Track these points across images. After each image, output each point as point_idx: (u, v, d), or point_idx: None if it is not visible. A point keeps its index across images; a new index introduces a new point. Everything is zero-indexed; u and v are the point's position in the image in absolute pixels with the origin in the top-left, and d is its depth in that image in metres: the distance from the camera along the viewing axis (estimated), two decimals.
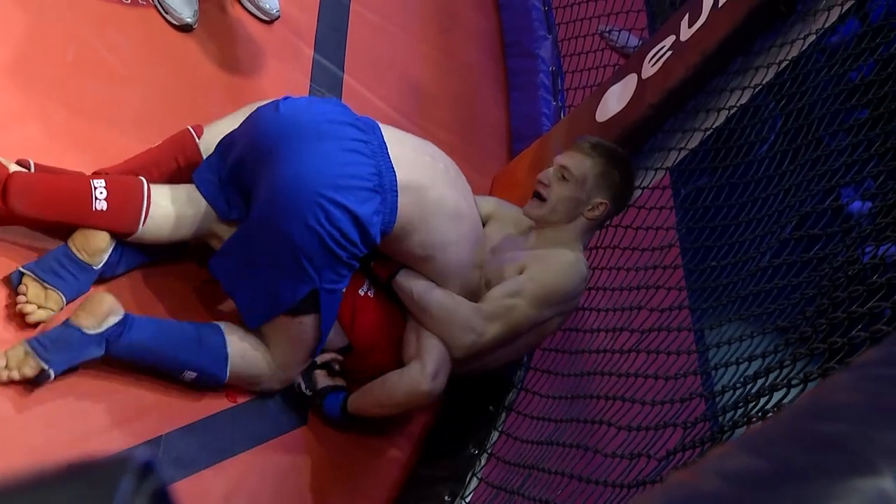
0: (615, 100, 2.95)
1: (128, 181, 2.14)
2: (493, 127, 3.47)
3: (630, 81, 2.94)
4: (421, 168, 2.19)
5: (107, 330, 2.00)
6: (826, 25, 2.54)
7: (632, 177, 2.48)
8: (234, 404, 2.21)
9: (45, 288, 2.01)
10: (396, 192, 2.11)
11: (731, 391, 1.75)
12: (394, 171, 2.11)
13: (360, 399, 2.30)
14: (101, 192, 2.06)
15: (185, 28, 2.77)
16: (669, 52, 2.86)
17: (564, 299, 2.34)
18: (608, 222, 2.54)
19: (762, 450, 0.61)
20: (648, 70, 2.89)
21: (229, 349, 2.14)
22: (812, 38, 2.57)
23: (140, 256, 2.21)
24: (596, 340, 2.55)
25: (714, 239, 2.49)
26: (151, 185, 2.16)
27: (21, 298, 1.99)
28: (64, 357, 1.95)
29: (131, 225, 2.12)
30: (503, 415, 2.50)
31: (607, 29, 3.89)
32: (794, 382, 1.59)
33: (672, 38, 2.88)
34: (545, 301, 2.29)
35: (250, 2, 3.02)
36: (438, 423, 2.52)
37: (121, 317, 2.02)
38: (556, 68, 3.69)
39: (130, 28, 2.68)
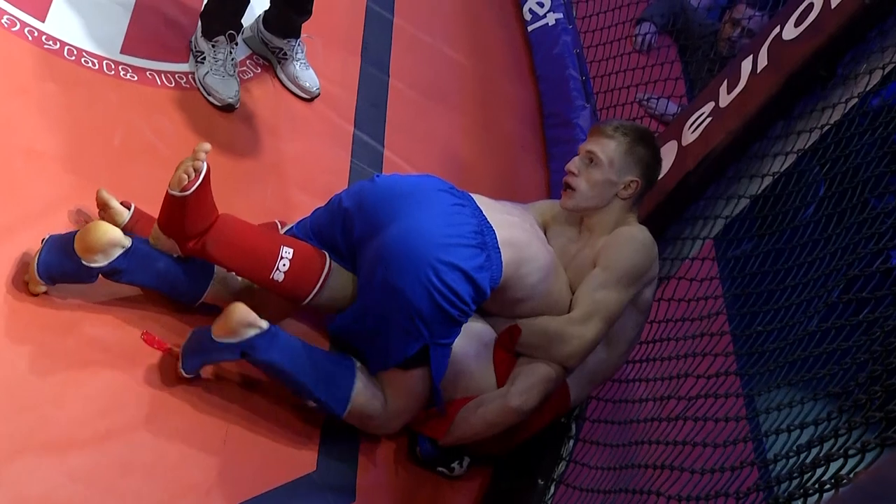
0: None
1: (313, 259, 2.28)
2: (534, 197, 3.50)
3: (670, 148, 2.97)
4: (514, 228, 2.35)
5: (240, 342, 2.11)
6: (868, 89, 2.56)
7: (657, 151, 2.58)
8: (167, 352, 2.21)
9: None
10: (499, 248, 2.26)
11: (785, 460, 1.74)
12: (493, 230, 2.27)
13: (458, 427, 2.38)
14: (284, 265, 2.22)
15: (227, 108, 2.85)
16: (709, 119, 2.89)
17: (644, 271, 2.46)
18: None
19: None
20: (689, 137, 2.93)
21: (354, 392, 2.24)
22: (854, 101, 2.59)
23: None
24: (644, 410, 2.55)
25: (761, 304, 2.48)
26: (332, 263, 2.30)
27: None
28: (196, 359, 2.15)
29: (297, 299, 2.30)
30: (552, 488, 2.48)
31: (646, 97, 3.94)
32: (850, 452, 1.58)
33: (711, 104, 2.92)
34: (628, 281, 2.42)
35: (290, 81, 3.11)
36: (488, 499, 2.51)
37: (260, 330, 2.12)
38: None
39: (174, 110, 2.77)
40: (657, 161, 2.59)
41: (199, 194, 2.11)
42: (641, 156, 2.53)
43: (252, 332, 2.11)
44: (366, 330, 2.27)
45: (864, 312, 1.91)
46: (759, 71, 2.78)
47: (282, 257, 2.21)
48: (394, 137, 3.31)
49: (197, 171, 2.10)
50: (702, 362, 2.47)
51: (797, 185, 2.73)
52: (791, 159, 2.71)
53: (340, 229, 2.34)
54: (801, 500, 1.62)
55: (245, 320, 2.10)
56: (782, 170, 2.73)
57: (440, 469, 2.44)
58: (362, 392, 2.26)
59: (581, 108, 3.80)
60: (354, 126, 3.23)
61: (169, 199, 2.13)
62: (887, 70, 2.52)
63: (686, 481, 1.97)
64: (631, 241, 2.47)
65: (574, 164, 2.54)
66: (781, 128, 2.76)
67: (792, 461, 1.70)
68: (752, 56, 2.83)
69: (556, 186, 3.60)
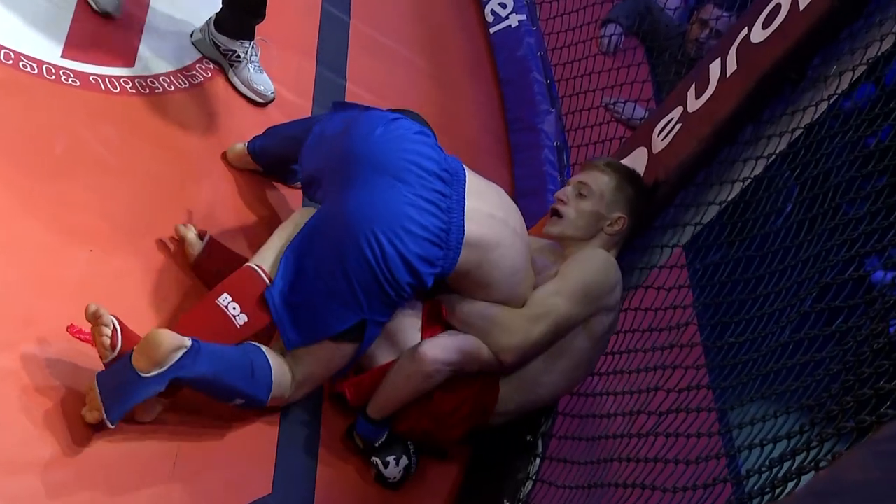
0: None
1: (244, 280, 2.29)
2: None
3: (640, 155, 3.00)
4: (491, 227, 2.37)
5: (169, 369, 2.05)
6: (838, 91, 2.61)
7: (646, 192, 2.71)
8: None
9: None
10: (461, 248, 2.29)
11: (757, 475, 1.76)
12: (463, 229, 2.29)
13: (381, 391, 2.42)
14: (235, 308, 2.25)
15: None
16: (678, 125, 2.93)
17: (601, 293, 2.51)
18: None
19: None
20: (658, 144, 2.96)
21: (273, 379, 2.26)
22: (825, 104, 2.64)
23: None
24: (613, 425, 2.57)
25: (732, 314, 2.52)
26: (259, 262, 2.32)
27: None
28: (122, 404, 2.04)
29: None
30: None
31: (612, 101, 3.98)
32: (822, 465, 1.61)
33: (680, 109, 2.96)
34: (583, 296, 2.48)
35: (244, 84, 3.11)
36: None
37: (186, 349, 2.07)
38: (561, 143, 3.77)
39: (120, 117, 2.75)
40: (645, 201, 2.71)
41: (125, 341, 2.10)
42: (630, 195, 2.65)
43: (179, 354, 2.06)
44: (299, 300, 2.26)
45: (836, 322, 1.94)
46: (728, 75, 2.82)
47: (226, 307, 2.24)
48: None
49: (110, 327, 2.09)
50: (672, 375, 2.50)
51: (768, 190, 2.77)
52: (762, 164, 2.75)
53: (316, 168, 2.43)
54: None
55: (174, 345, 2.05)
56: (753, 175, 2.77)
57: (375, 460, 2.44)
58: (277, 373, 2.27)
59: (546, 112, 3.83)
60: None
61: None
62: (857, 72, 2.56)
63: (658, 500, 1.99)
64: (593, 258, 2.55)
65: (564, 193, 2.66)
66: (751, 132, 2.81)
67: (765, 476, 1.73)
68: (720, 59, 2.87)
69: (520, 195, 3.63)
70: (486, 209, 2.37)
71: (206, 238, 2.49)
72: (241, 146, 2.82)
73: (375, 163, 2.26)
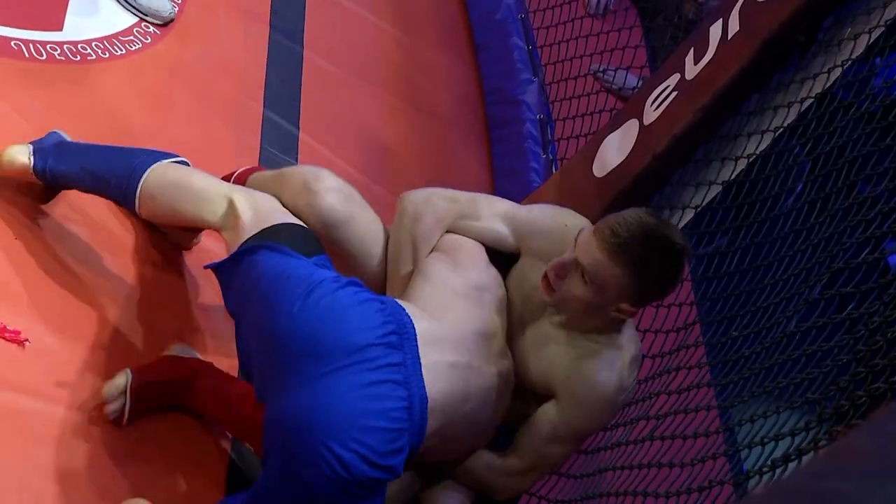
0: (614, 150, 3.05)
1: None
2: (474, 186, 3.56)
3: (631, 128, 3.04)
4: (455, 380, 2.20)
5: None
6: (853, 56, 2.66)
7: (670, 276, 2.27)
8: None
9: None
10: (426, 420, 2.13)
11: (758, 476, 1.82)
12: (426, 396, 2.12)
13: None
14: None
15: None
16: (674, 93, 2.97)
17: (599, 428, 2.52)
18: None
19: None
20: (651, 115, 3.00)
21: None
22: (838, 71, 2.69)
23: None
24: (615, 435, 2.62)
25: (738, 308, 2.56)
26: None
27: None
28: None
29: None
30: None
31: (602, 68, 4.02)
32: (821, 444, 1.67)
33: (676, 76, 3.00)
34: (580, 439, 2.46)
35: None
36: None
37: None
38: (545, 116, 3.80)
39: (45, 87, 2.76)
40: (664, 286, 2.31)
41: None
42: (644, 286, 2.24)
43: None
44: None
45: (847, 309, 1.99)
46: (729, 37, 2.87)
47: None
48: (310, 118, 3.34)
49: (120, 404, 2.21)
50: (675, 377, 2.55)
51: (776, 168, 2.82)
52: (768, 139, 2.81)
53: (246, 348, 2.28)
54: None
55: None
56: (758, 151, 2.82)
57: None
58: None
59: (528, 82, 3.87)
60: (264, 105, 3.25)
61: None
62: (874, 35, 2.61)
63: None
64: (604, 397, 2.30)
65: (563, 266, 2.27)
66: (756, 103, 2.86)
67: (767, 478, 1.78)
68: (721, 20, 2.92)
69: (498, 174, 3.67)
70: (447, 358, 2.19)
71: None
72: (22, 158, 2.41)
73: (306, 350, 2.07)
